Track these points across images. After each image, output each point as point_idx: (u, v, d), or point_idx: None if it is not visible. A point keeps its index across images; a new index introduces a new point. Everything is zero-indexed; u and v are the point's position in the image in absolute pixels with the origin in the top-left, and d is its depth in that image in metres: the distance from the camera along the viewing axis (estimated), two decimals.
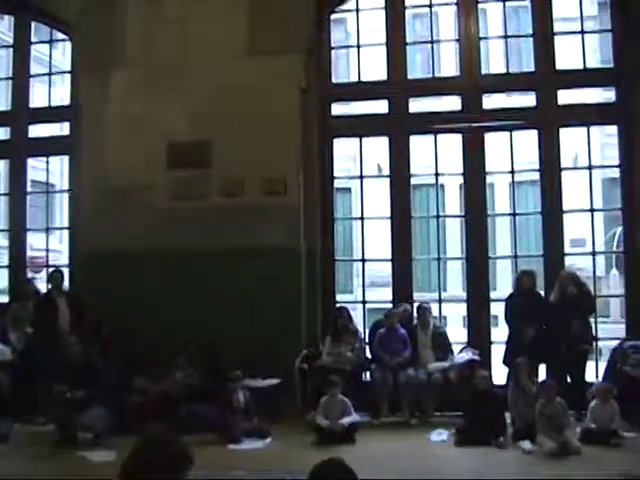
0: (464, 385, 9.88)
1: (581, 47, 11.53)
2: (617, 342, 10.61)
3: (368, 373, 10.68)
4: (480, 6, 12.17)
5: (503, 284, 13.94)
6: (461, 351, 10.74)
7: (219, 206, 11.16)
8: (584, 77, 11.49)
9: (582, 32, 11.68)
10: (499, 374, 10.45)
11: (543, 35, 11.47)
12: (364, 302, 12.08)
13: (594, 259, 11.70)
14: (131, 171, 11.30)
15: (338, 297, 11.97)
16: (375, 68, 12.30)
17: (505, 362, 10.26)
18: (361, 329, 11.29)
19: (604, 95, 11.65)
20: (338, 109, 12.06)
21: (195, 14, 11.40)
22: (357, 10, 12.22)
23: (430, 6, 12.25)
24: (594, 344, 10.71)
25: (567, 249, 11.65)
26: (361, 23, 12.24)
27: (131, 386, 9.98)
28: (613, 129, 11.72)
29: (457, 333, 11.90)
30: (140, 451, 3.00)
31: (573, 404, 9.30)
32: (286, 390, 10.24)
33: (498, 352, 10.73)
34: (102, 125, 11.54)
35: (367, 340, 10.97)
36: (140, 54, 11.53)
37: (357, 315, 11.81)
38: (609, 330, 12.18)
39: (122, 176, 11.33)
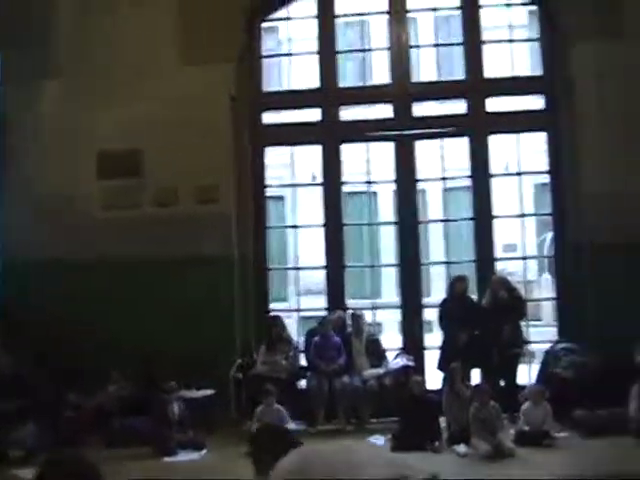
0: (399, 391, 9.92)
1: (510, 55, 11.71)
2: (549, 345, 10.78)
3: (304, 381, 10.65)
4: (411, 15, 12.29)
5: (437, 290, 14.02)
6: (396, 357, 10.78)
7: (152, 215, 11.06)
8: (513, 85, 11.63)
9: (511, 41, 11.87)
10: (434, 379, 10.50)
11: (473, 43, 11.59)
12: (298, 310, 12.09)
13: (525, 263, 11.87)
14: (62, 181, 11.13)
15: (272, 305, 11.94)
16: (307, 76, 12.32)
17: (440, 367, 10.33)
18: (296, 337, 11.28)
19: (533, 103, 11.80)
20: (269, 118, 12.02)
21: (126, 24, 11.28)
22: (288, 19, 12.23)
23: (361, 15, 12.31)
24: (526, 347, 10.86)
25: (500, 254, 11.80)
26: (293, 31, 12.25)
27: (65, 400, 9.81)
28: (543, 136, 11.82)
29: (392, 339, 11.93)
30: (45, 473, 2.91)
31: (506, 407, 9.40)
32: (221, 400, 10.17)
33: (433, 357, 10.79)
34: (32, 135, 11.36)
35: (302, 348, 10.96)
36: (70, 64, 11.37)
37: (292, 323, 11.79)
38: (542, 333, 12.33)
39: (53, 186, 11.15)
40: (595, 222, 10.58)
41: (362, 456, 2.60)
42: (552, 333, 11.55)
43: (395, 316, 11.99)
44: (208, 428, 9.62)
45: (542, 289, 16.94)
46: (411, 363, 10.44)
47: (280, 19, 12.54)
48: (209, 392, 10.05)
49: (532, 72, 12.12)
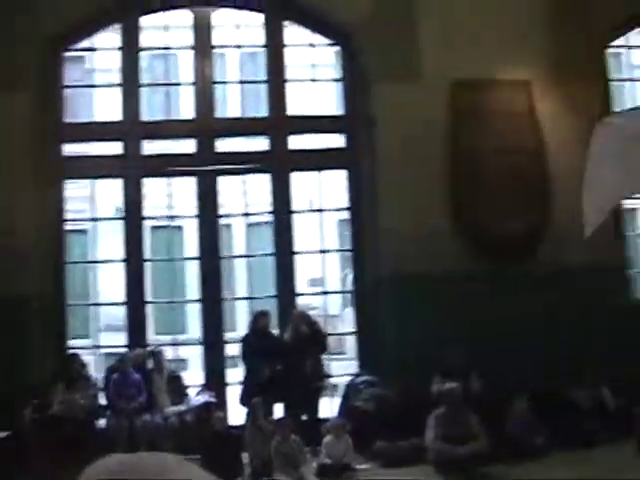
0: (201, 427, 9.82)
1: (314, 94, 11.95)
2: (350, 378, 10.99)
3: (104, 420, 10.34)
4: (219, 50, 12.30)
5: (243, 325, 14.03)
6: (198, 394, 10.68)
7: None
8: (316, 123, 11.90)
9: (314, 80, 12.12)
10: (237, 414, 10.46)
11: (276, 81, 11.76)
12: (99, 347, 11.79)
13: (326, 298, 12.06)
14: None
15: (73, 342, 11.58)
16: (111, 108, 12.10)
17: (242, 402, 10.30)
18: (98, 375, 10.98)
19: (335, 141, 12.06)
20: (71, 149, 11.69)
21: None
22: (93, 49, 12.01)
23: (167, 49, 12.24)
24: (328, 381, 11.01)
25: (306, 289, 11.92)
26: (98, 62, 12.04)
27: None
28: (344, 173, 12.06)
29: (198, 375, 11.82)
30: None
31: (309, 440, 9.49)
32: (16, 442, 9.71)
33: (237, 392, 10.74)
34: None
35: (102, 386, 10.67)
36: None
37: (94, 360, 11.48)
38: (345, 367, 12.51)
39: None
40: (394, 257, 10.90)
41: (178, 474, 2.51)
42: (355, 366, 11.75)
43: (200, 352, 11.87)
44: (4, 472, 9.17)
45: (345, 323, 17.22)
46: (213, 399, 10.38)
47: (85, 49, 12.28)
48: (3, 435, 9.59)
49: (337, 111, 12.37)
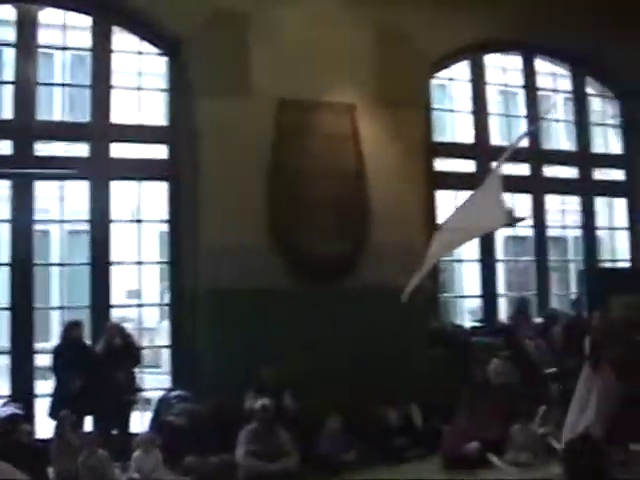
0: (5, 440, 9.45)
1: (140, 103, 11.86)
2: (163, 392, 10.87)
3: None
4: (46, 51, 11.91)
5: (55, 335, 13.63)
6: (4, 405, 10.27)
7: None
8: (139, 132, 11.72)
9: (140, 88, 11.95)
10: (46, 428, 10.12)
11: (101, 87, 11.52)
12: None
13: (141, 310, 11.92)
14: None
15: None
16: None
17: (51, 415, 9.99)
18: None
19: (157, 151, 11.90)
20: None
21: None
22: None
23: None
24: (140, 394, 10.89)
25: (122, 300, 11.71)
26: None
27: None
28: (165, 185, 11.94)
29: (4, 386, 11.37)
30: None
31: (119, 455, 9.36)
32: None
33: (45, 405, 10.41)
34: None
35: None
36: None
37: None
38: (160, 380, 12.39)
39: None
40: (212, 272, 10.92)
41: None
42: (170, 380, 11.64)
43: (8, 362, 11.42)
44: None
45: (161, 336, 17.04)
46: (19, 411, 10.00)
47: None
48: None
49: (161, 122, 12.22)
